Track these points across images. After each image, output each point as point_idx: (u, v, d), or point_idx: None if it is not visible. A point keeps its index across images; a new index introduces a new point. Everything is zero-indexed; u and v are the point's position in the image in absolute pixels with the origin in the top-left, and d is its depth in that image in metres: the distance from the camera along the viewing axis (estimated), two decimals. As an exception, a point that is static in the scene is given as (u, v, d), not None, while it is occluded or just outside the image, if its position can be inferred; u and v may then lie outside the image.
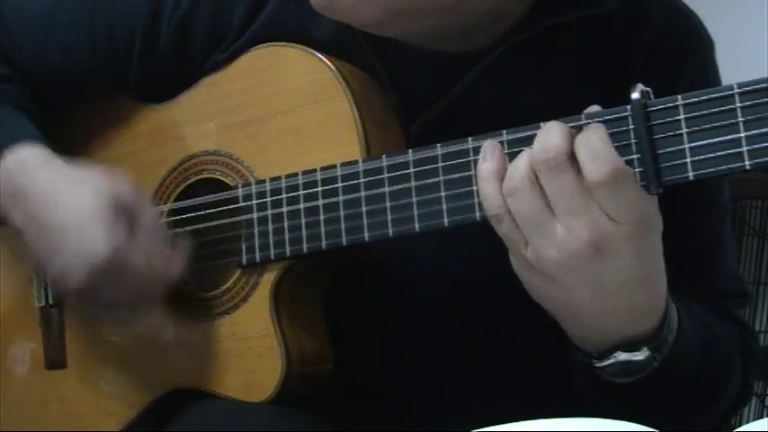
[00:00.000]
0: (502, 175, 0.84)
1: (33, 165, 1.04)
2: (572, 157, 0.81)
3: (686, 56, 1.03)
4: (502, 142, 0.87)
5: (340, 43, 1.02)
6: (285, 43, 1.01)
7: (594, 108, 0.85)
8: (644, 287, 0.86)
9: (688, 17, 1.06)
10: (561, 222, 0.81)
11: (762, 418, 2.11)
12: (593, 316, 0.86)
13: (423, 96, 1.02)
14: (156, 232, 1.01)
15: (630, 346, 0.88)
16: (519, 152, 0.85)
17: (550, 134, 0.82)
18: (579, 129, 0.83)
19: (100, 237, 0.98)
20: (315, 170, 0.96)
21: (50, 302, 1.14)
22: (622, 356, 0.88)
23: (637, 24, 1.02)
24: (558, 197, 0.81)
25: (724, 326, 1.03)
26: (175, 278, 1.01)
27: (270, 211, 0.99)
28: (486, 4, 0.95)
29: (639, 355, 0.88)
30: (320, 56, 0.99)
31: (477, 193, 0.87)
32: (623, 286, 0.84)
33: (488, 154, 0.86)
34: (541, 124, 0.85)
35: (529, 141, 0.85)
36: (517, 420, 0.73)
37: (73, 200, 1.01)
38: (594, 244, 0.81)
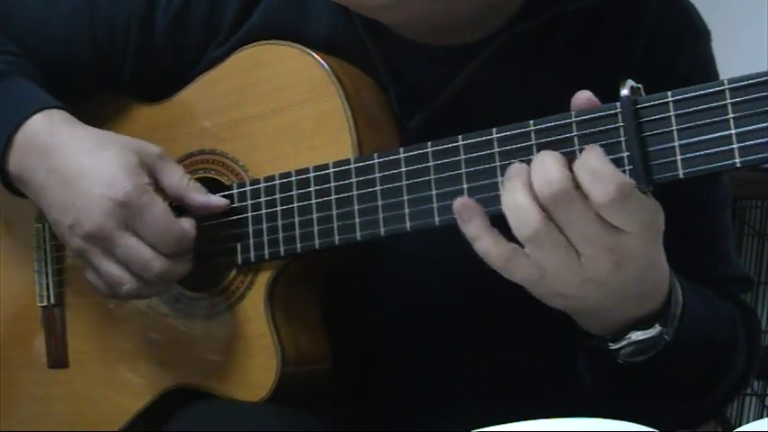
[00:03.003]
0: (489, 225, 0.82)
1: (60, 123, 1.02)
2: (576, 186, 0.79)
3: (683, 46, 1.02)
4: (491, 140, 0.86)
5: (337, 40, 1.02)
6: (279, 41, 1.01)
7: (585, 94, 0.83)
8: (654, 271, 0.86)
9: (683, 7, 1.05)
10: (578, 251, 0.80)
11: (762, 418, 2.10)
12: (607, 310, 0.87)
13: (423, 91, 1.01)
14: (181, 185, 0.99)
15: (642, 325, 0.89)
16: (510, 150, 0.85)
17: (548, 166, 0.80)
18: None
19: (121, 176, 0.96)
20: (308, 169, 0.96)
21: (52, 302, 1.15)
22: (635, 336, 0.89)
23: (633, 14, 1.01)
24: (571, 227, 0.79)
25: (728, 307, 1.03)
26: (189, 243, 0.98)
27: (264, 211, 0.99)
28: None
29: (652, 332, 0.89)
30: (314, 54, 0.98)
31: (468, 192, 0.86)
32: (637, 280, 0.84)
33: (465, 215, 0.83)
34: (530, 122, 0.84)
35: (519, 140, 0.84)
36: (517, 420, 0.72)
37: (100, 150, 0.99)
38: (614, 262, 0.80)
